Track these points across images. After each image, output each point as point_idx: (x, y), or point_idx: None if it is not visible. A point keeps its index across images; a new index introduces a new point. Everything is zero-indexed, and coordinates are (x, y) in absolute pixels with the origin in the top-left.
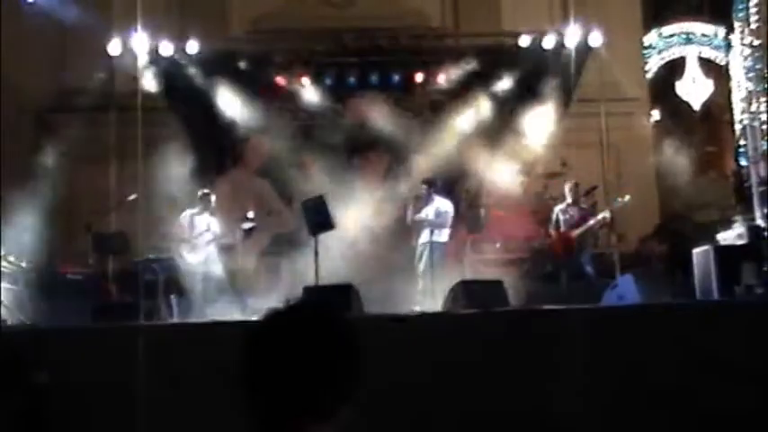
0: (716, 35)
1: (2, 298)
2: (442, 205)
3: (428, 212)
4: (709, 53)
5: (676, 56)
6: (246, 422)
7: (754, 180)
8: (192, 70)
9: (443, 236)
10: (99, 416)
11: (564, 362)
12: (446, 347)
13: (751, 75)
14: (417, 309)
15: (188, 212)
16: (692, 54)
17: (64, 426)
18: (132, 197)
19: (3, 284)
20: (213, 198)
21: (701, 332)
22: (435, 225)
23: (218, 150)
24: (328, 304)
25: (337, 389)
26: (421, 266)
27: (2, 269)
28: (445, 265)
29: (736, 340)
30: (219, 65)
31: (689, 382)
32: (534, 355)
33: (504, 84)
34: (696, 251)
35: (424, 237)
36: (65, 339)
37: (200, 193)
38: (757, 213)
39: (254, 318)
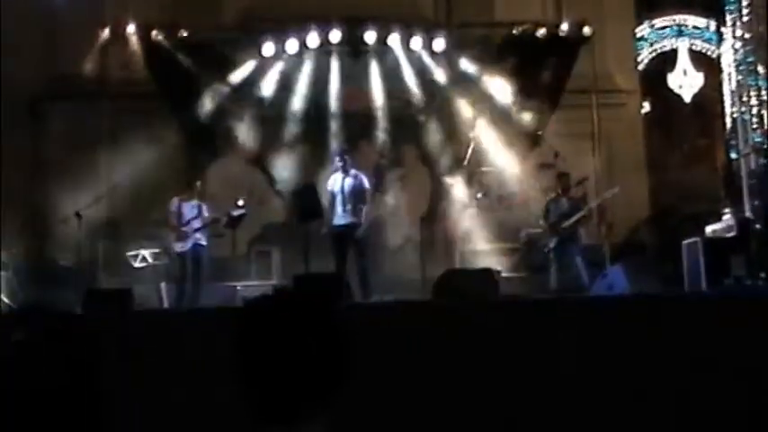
0: (707, 27)
1: None
2: (358, 178)
3: (345, 185)
4: (700, 45)
5: (668, 48)
6: (237, 410)
7: (744, 173)
8: (184, 58)
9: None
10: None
11: (553, 352)
12: (433, 337)
13: (742, 67)
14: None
15: (176, 199)
16: (683, 46)
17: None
18: (123, 184)
19: None
20: (199, 184)
21: (689, 323)
22: (355, 199)
23: (209, 139)
24: (316, 292)
25: (325, 378)
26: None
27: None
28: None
29: (723, 332)
30: (211, 52)
31: (677, 375)
32: (524, 345)
33: (498, 74)
34: (685, 243)
35: (340, 217)
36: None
37: (186, 179)
38: (747, 206)
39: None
